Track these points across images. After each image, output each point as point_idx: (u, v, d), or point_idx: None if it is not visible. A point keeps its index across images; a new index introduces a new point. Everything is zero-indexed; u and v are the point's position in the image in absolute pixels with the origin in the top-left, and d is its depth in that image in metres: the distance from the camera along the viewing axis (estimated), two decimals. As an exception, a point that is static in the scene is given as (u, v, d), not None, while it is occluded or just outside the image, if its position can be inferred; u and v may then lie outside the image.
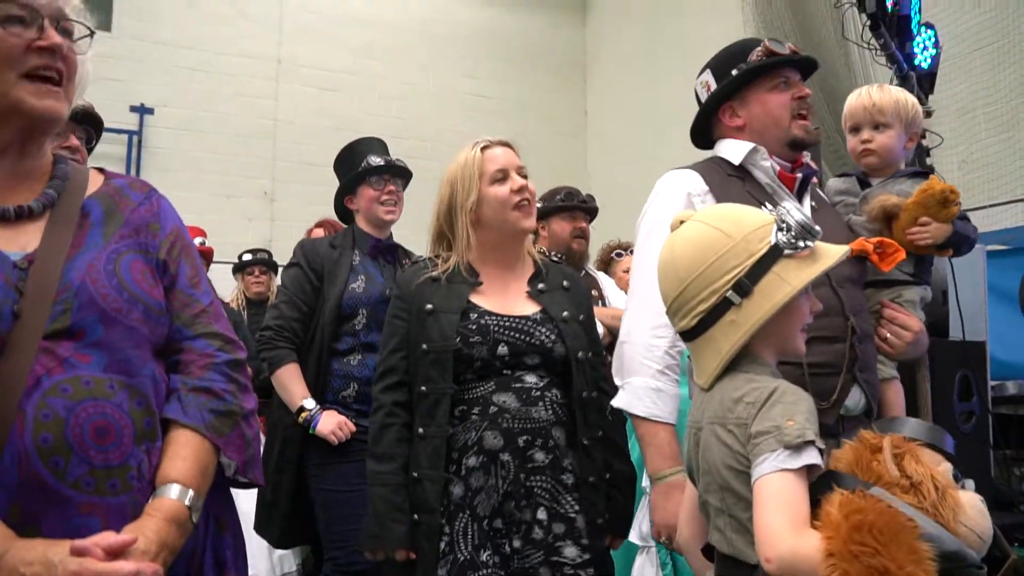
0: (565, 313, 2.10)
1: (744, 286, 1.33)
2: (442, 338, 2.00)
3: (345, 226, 3.18)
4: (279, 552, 3.93)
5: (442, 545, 1.94)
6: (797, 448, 1.22)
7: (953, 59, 6.05)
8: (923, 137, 3.22)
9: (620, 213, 8.70)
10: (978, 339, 3.62)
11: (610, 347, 3.56)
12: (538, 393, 2.01)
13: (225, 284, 5.39)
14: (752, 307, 1.33)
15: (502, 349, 2.01)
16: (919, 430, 1.30)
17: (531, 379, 2.02)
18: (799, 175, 2.03)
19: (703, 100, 2.11)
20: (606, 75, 9.43)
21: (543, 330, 2.05)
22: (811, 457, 1.23)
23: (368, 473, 2.06)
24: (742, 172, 2.00)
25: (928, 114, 3.78)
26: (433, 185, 2.23)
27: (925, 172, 2.21)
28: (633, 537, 2.80)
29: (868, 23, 3.21)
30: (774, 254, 1.34)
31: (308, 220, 5.00)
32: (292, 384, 2.77)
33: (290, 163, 7.79)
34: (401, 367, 2.08)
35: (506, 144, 2.21)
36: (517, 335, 2.03)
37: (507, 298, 2.11)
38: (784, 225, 1.35)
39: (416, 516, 1.97)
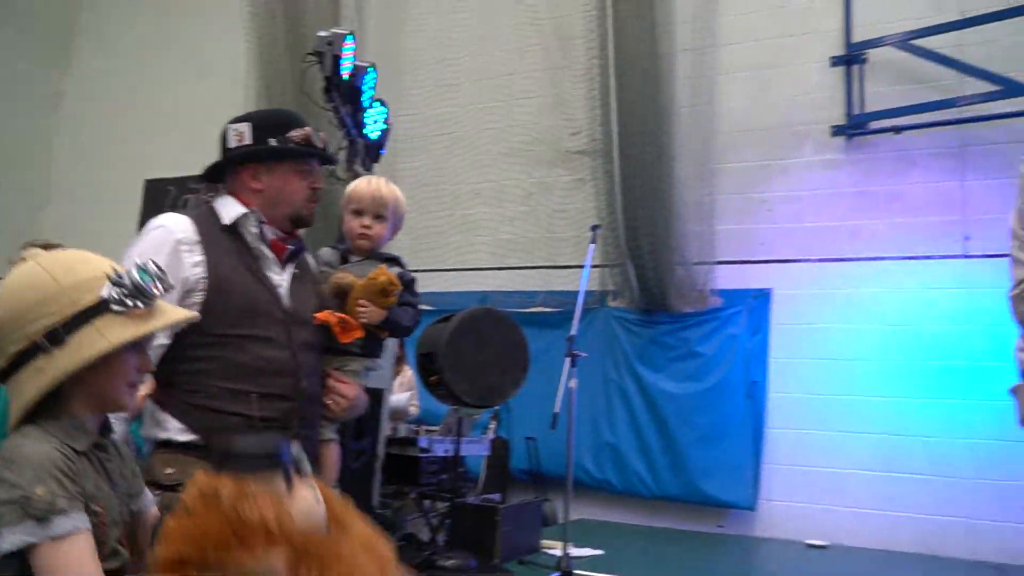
0: None
1: (57, 335, 1.31)
2: None
3: None
4: None
5: None
6: (46, 520, 1.20)
7: (420, 137, 6.92)
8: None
9: (79, 205, 8.02)
10: (379, 387, 4.09)
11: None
12: None
13: None
14: (63, 357, 1.31)
15: None
16: (248, 462, 1.19)
17: None
18: (290, 247, 2.19)
19: (231, 145, 2.17)
20: (92, 62, 8.65)
21: None
22: (64, 526, 1.22)
23: None
24: (233, 230, 2.10)
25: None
26: None
27: (395, 258, 2.49)
28: None
29: (324, 84, 3.48)
30: (100, 308, 1.34)
31: None
32: None
33: None
34: None
35: None
36: None
37: None
38: (119, 281, 1.35)
39: None
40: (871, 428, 5.37)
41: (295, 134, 2.17)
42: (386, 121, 4.13)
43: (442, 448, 4.47)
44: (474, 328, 4.05)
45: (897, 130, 5.58)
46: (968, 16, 5.44)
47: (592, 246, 4.34)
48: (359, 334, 2.21)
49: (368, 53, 6.47)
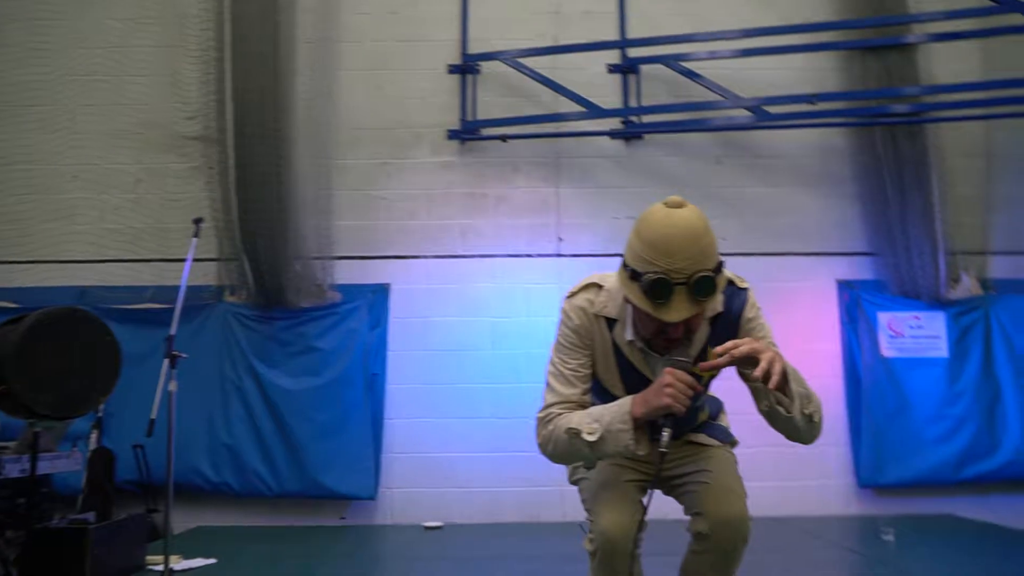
0: None
1: None
2: None
3: None
4: None
5: None
6: None
7: (3, 107, 6.03)
8: None
9: None
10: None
11: None
12: None
13: None
14: None
15: None
16: None
17: None
18: None
19: None
20: None
21: None
22: None
23: None
24: None
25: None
26: None
27: None
28: None
29: None
30: None
31: None
32: None
33: None
34: None
35: None
36: None
37: None
38: None
39: None
40: (479, 413, 5.81)
41: None
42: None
43: (17, 468, 3.91)
44: (52, 330, 3.61)
45: (504, 139, 6.08)
46: (561, 44, 6.11)
47: (195, 240, 4.09)
48: None
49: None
